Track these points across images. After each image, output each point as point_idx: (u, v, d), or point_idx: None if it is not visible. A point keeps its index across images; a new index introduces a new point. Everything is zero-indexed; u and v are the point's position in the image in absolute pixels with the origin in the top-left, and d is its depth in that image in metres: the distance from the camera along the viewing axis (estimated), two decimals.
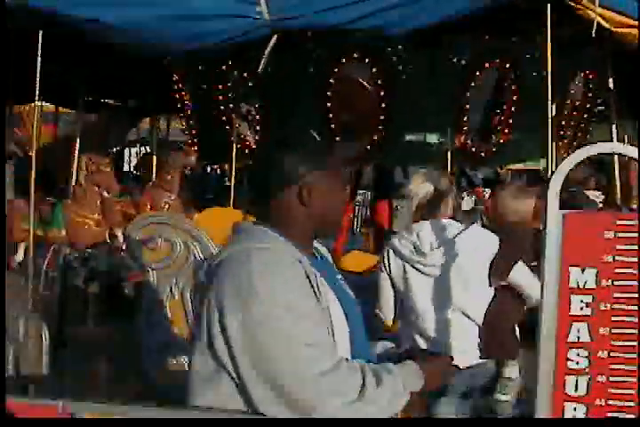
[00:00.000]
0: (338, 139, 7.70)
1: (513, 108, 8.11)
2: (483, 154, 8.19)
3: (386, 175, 9.34)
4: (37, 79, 5.33)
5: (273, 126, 7.95)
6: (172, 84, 9.11)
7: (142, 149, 14.62)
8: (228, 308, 1.90)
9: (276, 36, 4.92)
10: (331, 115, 7.75)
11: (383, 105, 7.71)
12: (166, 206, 7.54)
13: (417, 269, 4.03)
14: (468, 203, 9.55)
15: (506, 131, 8.19)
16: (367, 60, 7.66)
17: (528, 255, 4.11)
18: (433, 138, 8.03)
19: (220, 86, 8.31)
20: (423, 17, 4.73)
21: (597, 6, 4.71)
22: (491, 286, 3.99)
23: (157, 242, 4.82)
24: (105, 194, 7.14)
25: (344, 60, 7.68)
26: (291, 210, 2.08)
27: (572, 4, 4.76)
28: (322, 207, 2.09)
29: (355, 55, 7.64)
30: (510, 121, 8.14)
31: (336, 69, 7.66)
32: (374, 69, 7.67)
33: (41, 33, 5.23)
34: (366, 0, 4.54)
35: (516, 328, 4.15)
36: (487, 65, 7.93)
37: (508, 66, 7.98)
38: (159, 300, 4.87)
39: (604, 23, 4.74)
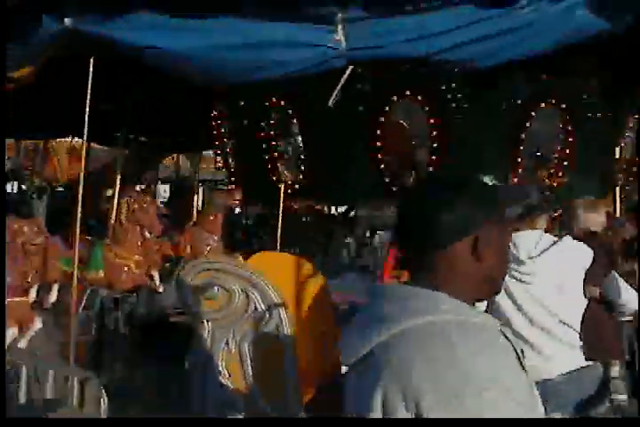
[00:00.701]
0: (387, 180, 7.49)
1: (568, 151, 7.84)
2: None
3: None
4: (86, 111, 4.96)
5: (317, 165, 7.68)
6: (212, 120, 8.87)
7: (170, 186, 14.32)
8: (429, 398, 1.49)
9: (351, 67, 4.58)
10: (379, 155, 7.49)
11: (435, 145, 7.43)
12: (208, 248, 7.18)
13: (514, 278, 4.02)
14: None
15: (560, 174, 7.89)
16: (420, 98, 7.41)
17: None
18: (487, 179, 7.66)
19: (264, 123, 8.06)
20: (515, 50, 4.40)
21: None
22: (585, 296, 4.06)
23: (216, 290, 4.44)
24: (147, 234, 6.74)
25: (396, 99, 7.43)
26: (459, 265, 1.68)
27: None
28: (494, 262, 1.69)
29: (407, 93, 7.40)
30: (565, 163, 7.85)
31: (387, 108, 7.42)
32: (427, 108, 7.42)
33: (92, 61, 4.90)
34: (455, 30, 4.21)
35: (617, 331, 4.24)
36: (543, 105, 7.69)
37: (564, 106, 7.72)
38: (215, 354, 4.46)
39: None
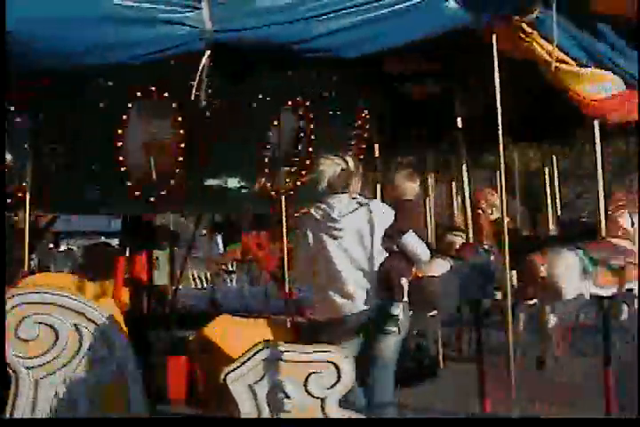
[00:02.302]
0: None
1: (310, 149, 7.69)
2: (282, 197, 7.61)
3: None
4: None
5: None
6: None
7: None
8: None
9: (209, 52, 3.95)
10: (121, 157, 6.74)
11: (182, 146, 6.85)
12: None
13: (327, 233, 4.96)
14: None
15: (303, 172, 7.74)
16: (167, 95, 6.75)
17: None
18: (234, 182, 7.29)
19: None
20: (383, 40, 4.09)
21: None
22: (385, 248, 4.97)
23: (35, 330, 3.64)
24: None
25: (140, 94, 6.68)
26: None
27: (522, 36, 4.37)
28: None
29: (152, 89, 6.69)
30: (307, 162, 7.70)
31: (130, 105, 6.66)
32: (174, 105, 6.77)
33: None
34: (324, 20, 3.79)
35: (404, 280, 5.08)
36: (289, 103, 7.42)
37: (307, 104, 7.52)
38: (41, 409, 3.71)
39: (547, 58, 4.42)
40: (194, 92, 4.25)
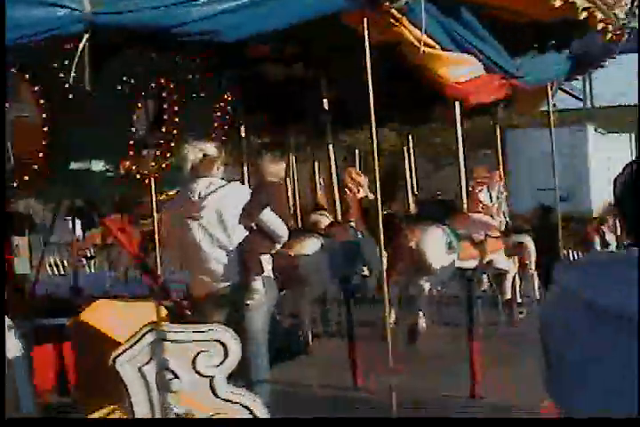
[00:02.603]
0: None
1: (175, 132, 7.65)
2: (146, 180, 7.57)
3: None
4: None
5: None
6: None
7: None
8: None
9: (87, 35, 3.87)
10: None
11: (45, 129, 6.68)
12: None
13: (189, 217, 5.17)
14: None
15: (167, 155, 7.70)
16: (27, 77, 6.55)
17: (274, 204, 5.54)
18: (98, 166, 7.18)
19: None
20: (261, 24, 4.13)
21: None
22: (243, 225, 5.20)
23: None
24: None
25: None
26: None
27: (392, 22, 4.51)
28: None
29: (12, 71, 6.48)
30: (172, 145, 7.66)
31: None
32: (36, 88, 6.59)
33: None
34: (204, 4, 3.80)
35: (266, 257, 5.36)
36: (153, 86, 7.35)
37: (172, 86, 7.47)
38: None
39: (415, 43, 4.59)
40: (72, 74, 4.17)
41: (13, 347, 3.92)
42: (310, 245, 6.51)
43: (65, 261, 17.53)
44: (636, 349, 1.66)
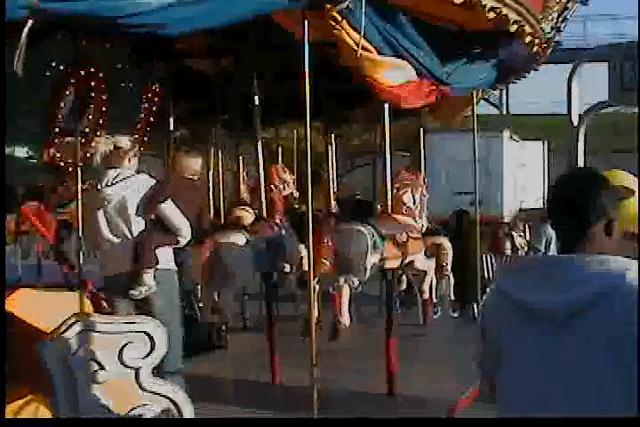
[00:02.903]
0: None
1: (101, 121, 7.58)
2: (69, 168, 7.48)
3: None
4: None
5: None
6: None
7: None
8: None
9: (30, 22, 3.80)
10: None
11: None
12: None
13: (96, 206, 5.38)
14: None
15: (92, 143, 7.62)
16: None
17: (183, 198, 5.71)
18: (22, 152, 7.07)
19: None
20: (210, 19, 4.13)
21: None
22: (141, 217, 5.33)
23: None
24: None
25: None
26: (599, 241, 2.23)
27: (332, 24, 4.56)
28: (618, 240, 2.27)
29: None
30: (98, 133, 7.59)
31: None
32: None
33: None
34: None
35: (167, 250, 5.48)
36: (82, 73, 7.26)
37: (100, 75, 7.40)
38: None
39: (353, 46, 4.66)
40: (15, 61, 4.09)
41: None
42: (235, 240, 6.54)
43: None
44: (549, 346, 2.08)
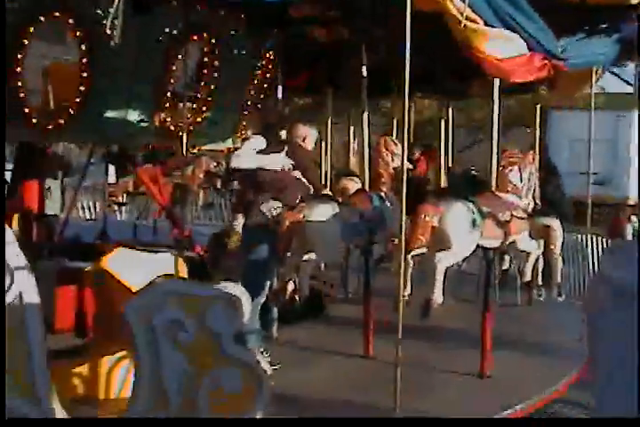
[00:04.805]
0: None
1: (212, 87, 7.66)
2: (181, 133, 7.60)
3: None
4: None
5: None
6: None
7: None
8: None
9: None
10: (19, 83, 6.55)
11: (84, 75, 6.71)
12: None
13: None
14: None
15: (204, 109, 7.72)
16: (71, 21, 6.56)
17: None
18: (134, 115, 7.21)
19: None
20: None
21: None
22: None
23: None
24: None
25: (43, 19, 6.48)
26: None
27: None
28: None
29: (56, 14, 6.49)
30: (209, 99, 7.68)
31: (32, 29, 6.45)
32: (78, 33, 6.61)
33: None
34: None
35: None
36: (195, 38, 7.34)
37: (213, 41, 7.46)
38: None
39: (457, 16, 4.55)
40: (108, 21, 4.15)
41: (31, 290, 3.94)
42: (324, 212, 6.49)
43: (96, 206, 17.72)
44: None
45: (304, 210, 6.26)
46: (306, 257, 6.82)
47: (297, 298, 7.24)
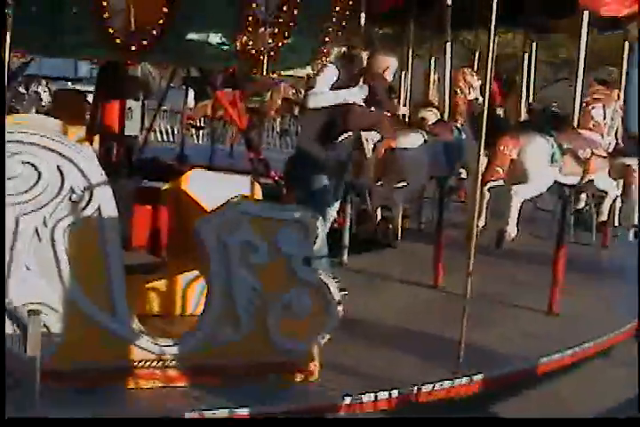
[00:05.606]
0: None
1: (295, 12, 7.57)
2: (262, 57, 7.56)
3: None
4: None
5: None
6: None
7: None
8: None
9: None
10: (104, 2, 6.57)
11: None
12: None
13: None
14: None
15: (286, 34, 7.65)
16: None
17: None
18: (215, 38, 7.17)
19: None
20: None
21: None
22: None
23: (19, 169, 3.73)
24: None
25: None
26: None
27: None
28: None
29: None
30: (291, 24, 7.59)
31: None
32: None
33: None
34: None
35: None
36: None
37: None
38: (22, 246, 3.83)
39: None
40: None
41: (109, 204, 4.03)
42: (414, 140, 6.46)
43: (174, 130, 17.88)
44: None
45: (399, 137, 6.23)
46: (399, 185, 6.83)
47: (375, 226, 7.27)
